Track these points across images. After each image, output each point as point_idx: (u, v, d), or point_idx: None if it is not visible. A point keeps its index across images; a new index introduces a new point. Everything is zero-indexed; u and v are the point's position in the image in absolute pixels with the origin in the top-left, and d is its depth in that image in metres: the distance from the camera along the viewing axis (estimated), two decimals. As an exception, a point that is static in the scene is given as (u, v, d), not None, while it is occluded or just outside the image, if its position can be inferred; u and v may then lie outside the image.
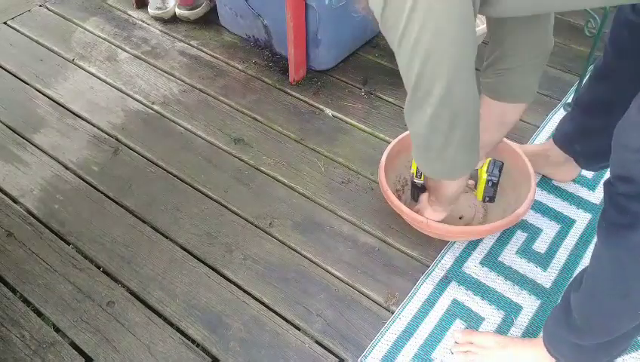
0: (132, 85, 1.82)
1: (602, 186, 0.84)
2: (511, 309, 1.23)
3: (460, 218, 1.38)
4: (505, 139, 1.30)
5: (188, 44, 1.97)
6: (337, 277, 1.30)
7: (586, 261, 1.30)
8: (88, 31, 2.04)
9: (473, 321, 1.21)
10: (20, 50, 1.96)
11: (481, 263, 1.30)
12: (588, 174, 1.47)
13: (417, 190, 1.29)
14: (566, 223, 1.38)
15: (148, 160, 1.58)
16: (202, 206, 1.46)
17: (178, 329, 1.22)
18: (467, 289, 1.26)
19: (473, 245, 1.34)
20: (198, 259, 1.35)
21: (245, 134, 1.64)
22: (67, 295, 1.28)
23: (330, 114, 1.70)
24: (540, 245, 1.34)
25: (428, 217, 1.22)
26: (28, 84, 1.83)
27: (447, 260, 1.31)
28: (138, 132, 1.66)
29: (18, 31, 2.04)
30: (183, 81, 1.83)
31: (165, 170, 1.55)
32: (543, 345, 1.08)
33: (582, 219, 1.38)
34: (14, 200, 1.49)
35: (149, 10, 2.05)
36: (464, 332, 1.18)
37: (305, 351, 1.18)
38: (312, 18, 1.67)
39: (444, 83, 0.83)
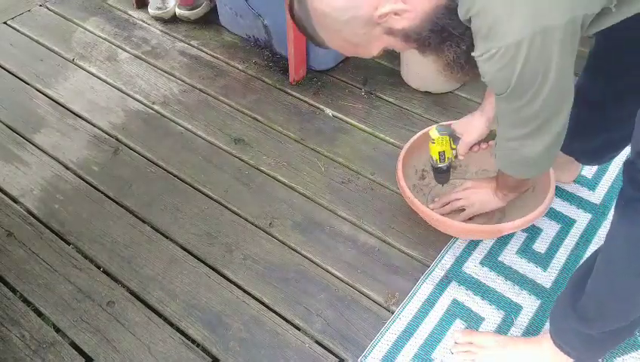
0: (132, 85, 1.82)
1: (623, 166, 0.87)
2: (511, 309, 1.23)
3: (471, 218, 1.35)
4: None
5: (188, 44, 1.97)
6: (337, 277, 1.30)
7: (586, 261, 1.30)
8: (88, 31, 2.04)
9: (473, 321, 1.21)
10: (20, 50, 1.96)
11: (481, 263, 1.30)
12: (588, 174, 1.47)
13: (443, 174, 1.30)
14: (566, 223, 1.38)
15: (148, 160, 1.58)
16: (202, 206, 1.46)
17: (178, 329, 1.22)
18: (467, 289, 1.26)
19: (473, 245, 1.34)
20: (198, 259, 1.35)
21: (245, 134, 1.64)
22: (67, 295, 1.28)
23: (330, 114, 1.70)
24: (540, 245, 1.34)
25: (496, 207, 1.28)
26: (28, 84, 1.83)
27: (447, 260, 1.31)
28: (138, 132, 1.66)
29: (18, 31, 2.04)
30: (183, 81, 1.83)
31: (165, 170, 1.55)
32: (548, 339, 1.07)
33: (582, 219, 1.38)
34: (14, 200, 1.49)
35: (149, 10, 2.05)
36: (464, 332, 1.18)
37: (305, 351, 1.18)
38: (312, 18, 1.67)
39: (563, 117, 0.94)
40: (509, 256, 1.32)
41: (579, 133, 1.29)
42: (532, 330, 1.19)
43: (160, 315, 1.25)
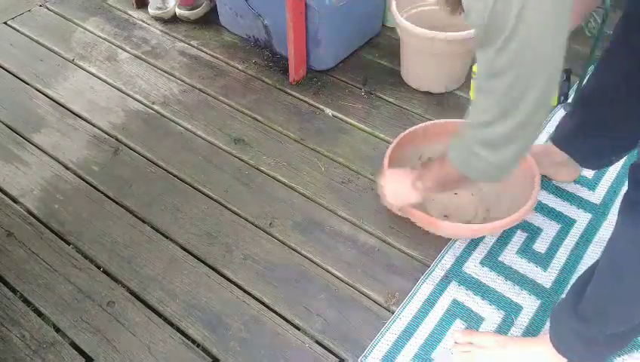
0: (132, 85, 1.82)
1: (628, 169, 0.85)
2: (511, 309, 1.23)
3: (445, 216, 1.38)
4: None
5: (188, 44, 1.97)
6: (337, 277, 1.30)
7: (586, 261, 1.30)
8: (88, 31, 2.04)
9: (473, 321, 1.21)
10: (20, 50, 1.96)
11: (482, 263, 1.30)
12: (588, 174, 1.47)
13: None
14: (566, 223, 1.38)
15: (148, 160, 1.58)
16: (202, 206, 1.46)
17: (178, 329, 1.22)
18: (467, 289, 1.26)
19: (473, 245, 1.34)
20: (198, 259, 1.35)
21: (245, 134, 1.64)
22: (67, 295, 1.28)
23: (330, 114, 1.70)
24: (540, 245, 1.34)
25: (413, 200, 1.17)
26: (28, 84, 1.83)
27: (447, 260, 1.31)
28: (138, 132, 1.66)
29: (18, 31, 2.04)
30: (183, 81, 1.83)
31: (165, 170, 1.55)
32: (549, 341, 1.07)
33: (582, 219, 1.38)
34: (14, 200, 1.49)
35: (149, 10, 2.05)
36: (464, 332, 1.18)
37: (305, 351, 1.18)
38: (312, 18, 1.67)
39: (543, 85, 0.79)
40: (509, 256, 1.32)
41: (582, 132, 1.29)
42: (532, 330, 1.19)
43: (160, 315, 1.25)
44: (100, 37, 2.01)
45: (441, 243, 1.34)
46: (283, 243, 1.37)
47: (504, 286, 1.26)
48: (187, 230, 1.40)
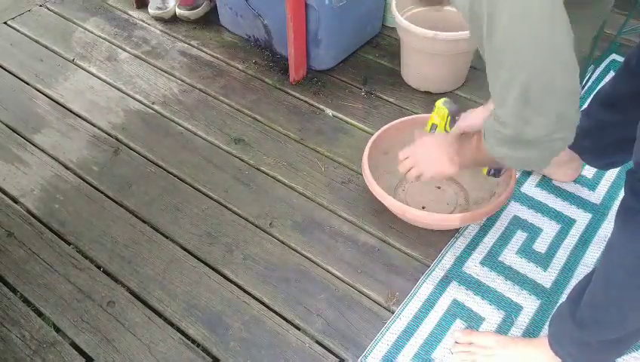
0: (132, 85, 1.82)
1: (625, 176, 0.84)
2: (511, 309, 1.23)
3: (423, 208, 1.39)
4: None
5: (188, 44, 1.97)
6: (337, 277, 1.30)
7: (586, 261, 1.30)
8: (88, 31, 2.04)
9: (473, 321, 1.21)
10: (20, 50, 1.96)
11: (482, 263, 1.30)
12: (588, 174, 1.47)
13: None
14: (566, 223, 1.38)
15: (148, 160, 1.58)
16: (202, 206, 1.46)
17: (178, 329, 1.22)
18: (467, 289, 1.26)
19: (473, 245, 1.34)
20: (198, 259, 1.35)
21: (245, 134, 1.64)
22: (67, 295, 1.28)
23: (330, 114, 1.70)
24: (540, 245, 1.34)
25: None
26: (28, 84, 1.83)
27: (447, 260, 1.31)
28: (138, 132, 1.66)
29: (18, 31, 2.04)
30: (183, 81, 1.83)
31: (165, 170, 1.55)
32: (547, 343, 1.07)
33: (582, 219, 1.38)
34: (14, 200, 1.49)
35: (150, 10, 2.05)
36: (464, 332, 1.18)
37: (305, 351, 1.18)
38: (312, 18, 1.67)
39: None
40: (509, 256, 1.32)
41: (595, 130, 1.26)
42: (532, 330, 1.19)
43: (160, 315, 1.25)
44: (100, 37, 2.01)
45: (441, 243, 1.34)
46: (283, 243, 1.37)
47: (504, 286, 1.26)
48: (187, 230, 1.40)
